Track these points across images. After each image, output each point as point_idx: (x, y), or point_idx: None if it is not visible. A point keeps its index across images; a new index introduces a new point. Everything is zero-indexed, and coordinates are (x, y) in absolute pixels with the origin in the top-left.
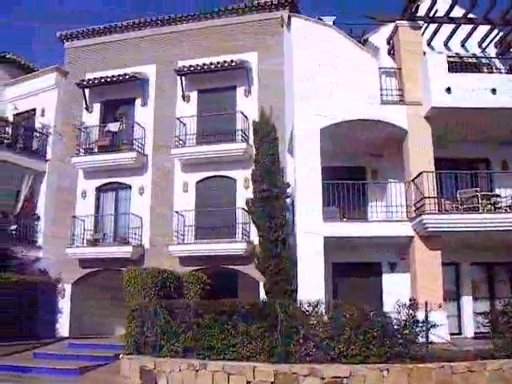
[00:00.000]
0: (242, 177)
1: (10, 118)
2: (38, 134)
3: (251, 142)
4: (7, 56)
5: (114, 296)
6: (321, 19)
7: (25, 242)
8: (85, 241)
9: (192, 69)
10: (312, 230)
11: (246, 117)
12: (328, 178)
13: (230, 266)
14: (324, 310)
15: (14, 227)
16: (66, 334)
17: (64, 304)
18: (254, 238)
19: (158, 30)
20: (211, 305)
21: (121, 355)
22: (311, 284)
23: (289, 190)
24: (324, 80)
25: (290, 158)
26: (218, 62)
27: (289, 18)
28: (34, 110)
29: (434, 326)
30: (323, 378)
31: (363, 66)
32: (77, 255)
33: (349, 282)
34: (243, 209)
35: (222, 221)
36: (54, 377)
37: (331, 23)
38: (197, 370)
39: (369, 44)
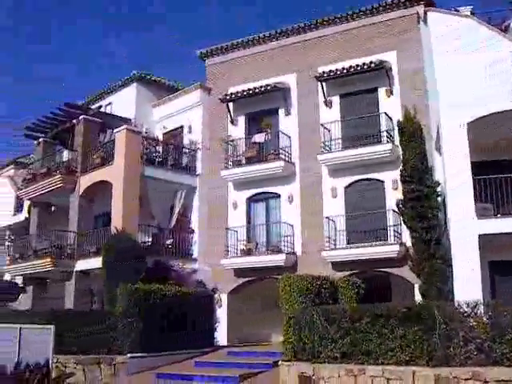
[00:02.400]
0: (389, 178)
1: (160, 137)
2: (186, 151)
3: (397, 142)
4: (152, 78)
5: (270, 304)
6: (457, 10)
7: (181, 255)
8: (239, 251)
9: (332, 74)
10: (466, 228)
11: (389, 117)
12: (479, 173)
13: (383, 269)
14: (483, 311)
15: (169, 241)
16: (225, 343)
17: (221, 313)
18: (406, 239)
19: (295, 39)
20: (367, 309)
21: (279, 362)
22: (468, 284)
23: (439, 189)
24: (467, 73)
25: (438, 155)
26: (358, 65)
27: (425, 12)
28: (181, 127)
29: None
30: (486, 382)
31: (507, 55)
32: (232, 265)
33: (509, 281)
34: (394, 210)
35: (373, 224)
36: None
37: (468, 13)
38: (355, 376)
39: (510, 31)
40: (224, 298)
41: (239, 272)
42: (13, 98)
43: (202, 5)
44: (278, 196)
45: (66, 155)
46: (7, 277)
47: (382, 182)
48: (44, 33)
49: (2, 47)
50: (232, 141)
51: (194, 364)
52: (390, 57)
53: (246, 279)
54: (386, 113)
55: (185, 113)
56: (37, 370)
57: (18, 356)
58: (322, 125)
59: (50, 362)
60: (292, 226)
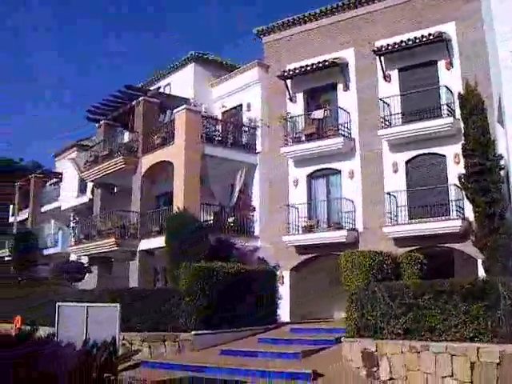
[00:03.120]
0: (451, 152)
1: (219, 116)
2: (246, 129)
3: (458, 115)
4: (209, 57)
5: (331, 280)
6: None
7: (243, 232)
8: (300, 228)
9: (390, 48)
10: None
11: (450, 90)
12: None
13: (446, 245)
14: None
15: (231, 219)
16: (287, 320)
17: (283, 290)
18: (469, 214)
19: (350, 14)
20: (430, 285)
21: (342, 339)
22: None
23: (502, 162)
24: None
25: (501, 128)
26: (416, 38)
27: None
28: (240, 105)
29: None
30: None
31: None
32: (293, 242)
33: None
34: (456, 185)
35: (435, 199)
36: (278, 360)
37: None
38: (418, 352)
39: None
40: (286, 274)
41: (301, 249)
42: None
43: None
44: (339, 172)
45: (127, 137)
46: (73, 257)
47: (444, 156)
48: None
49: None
50: (291, 118)
51: (257, 341)
52: (449, 28)
53: (308, 256)
54: (446, 86)
55: (243, 91)
56: (104, 348)
57: (86, 334)
58: (381, 99)
59: (117, 339)
60: (353, 202)
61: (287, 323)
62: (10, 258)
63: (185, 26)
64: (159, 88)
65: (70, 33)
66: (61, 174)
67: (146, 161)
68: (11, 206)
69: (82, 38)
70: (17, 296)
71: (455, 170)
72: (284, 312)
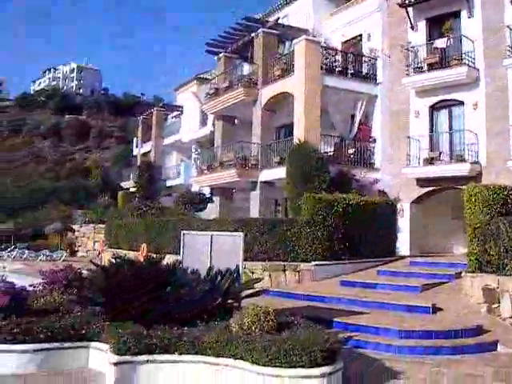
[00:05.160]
0: None
1: (338, 47)
2: (366, 59)
3: None
4: None
5: (452, 214)
6: None
7: (363, 164)
8: (421, 160)
9: None
10: None
11: None
12: None
13: None
14: None
15: (351, 151)
16: (406, 253)
17: (403, 223)
18: None
19: None
20: None
21: (462, 273)
22: None
23: None
24: None
25: None
26: None
27: None
28: (360, 35)
29: None
30: None
31: None
32: (414, 175)
33: None
34: None
35: None
36: (397, 293)
37: None
38: None
39: None
40: (406, 207)
41: (421, 182)
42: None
43: None
44: (462, 103)
45: (246, 69)
46: (195, 188)
47: None
48: None
49: None
50: (413, 47)
51: (376, 273)
52: None
53: (428, 189)
54: None
55: (363, 20)
56: (227, 276)
57: (210, 262)
58: (508, 27)
59: (240, 267)
60: (476, 134)
61: (406, 256)
62: (134, 189)
63: None
64: (278, 19)
65: None
66: (182, 107)
67: (266, 92)
68: (135, 139)
69: None
70: (141, 225)
71: None
72: (403, 245)
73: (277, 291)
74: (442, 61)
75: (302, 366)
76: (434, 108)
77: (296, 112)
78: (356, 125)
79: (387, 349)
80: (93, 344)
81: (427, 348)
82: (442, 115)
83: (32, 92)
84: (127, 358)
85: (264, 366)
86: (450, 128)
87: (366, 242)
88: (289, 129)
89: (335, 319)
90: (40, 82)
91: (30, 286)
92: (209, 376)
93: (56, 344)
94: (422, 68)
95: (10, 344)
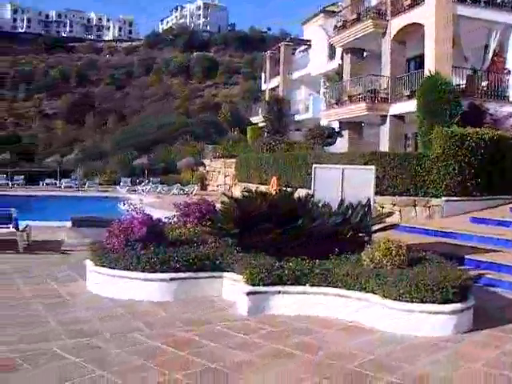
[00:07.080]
0: None
1: None
2: None
3: None
4: None
5: None
6: None
7: (497, 97)
8: None
9: None
10: None
11: None
12: None
13: None
14: None
15: (484, 83)
16: None
17: None
18: None
19: None
20: None
21: None
22: None
23: None
24: None
25: None
26: None
27: None
28: None
29: None
30: None
31: None
32: None
33: None
34: None
35: None
36: None
37: None
38: None
39: None
40: None
41: None
42: None
43: None
44: None
45: (374, 0)
46: (324, 122)
47: None
48: None
49: None
50: None
51: (509, 210)
52: None
53: None
54: None
55: None
56: (359, 209)
57: (341, 195)
58: None
59: (371, 201)
60: None
61: None
62: (263, 124)
63: None
64: None
65: None
66: (309, 40)
67: (396, 23)
68: (262, 74)
69: None
70: (271, 160)
71: None
72: None
73: (406, 226)
74: None
75: (433, 302)
76: None
77: (427, 43)
78: (489, 56)
79: None
80: (226, 274)
81: None
82: None
83: (160, 31)
84: (260, 288)
85: (395, 300)
86: None
87: (498, 179)
88: (420, 60)
89: (467, 256)
90: (168, 21)
91: (165, 218)
92: (340, 308)
93: (191, 273)
94: None
95: (147, 272)
